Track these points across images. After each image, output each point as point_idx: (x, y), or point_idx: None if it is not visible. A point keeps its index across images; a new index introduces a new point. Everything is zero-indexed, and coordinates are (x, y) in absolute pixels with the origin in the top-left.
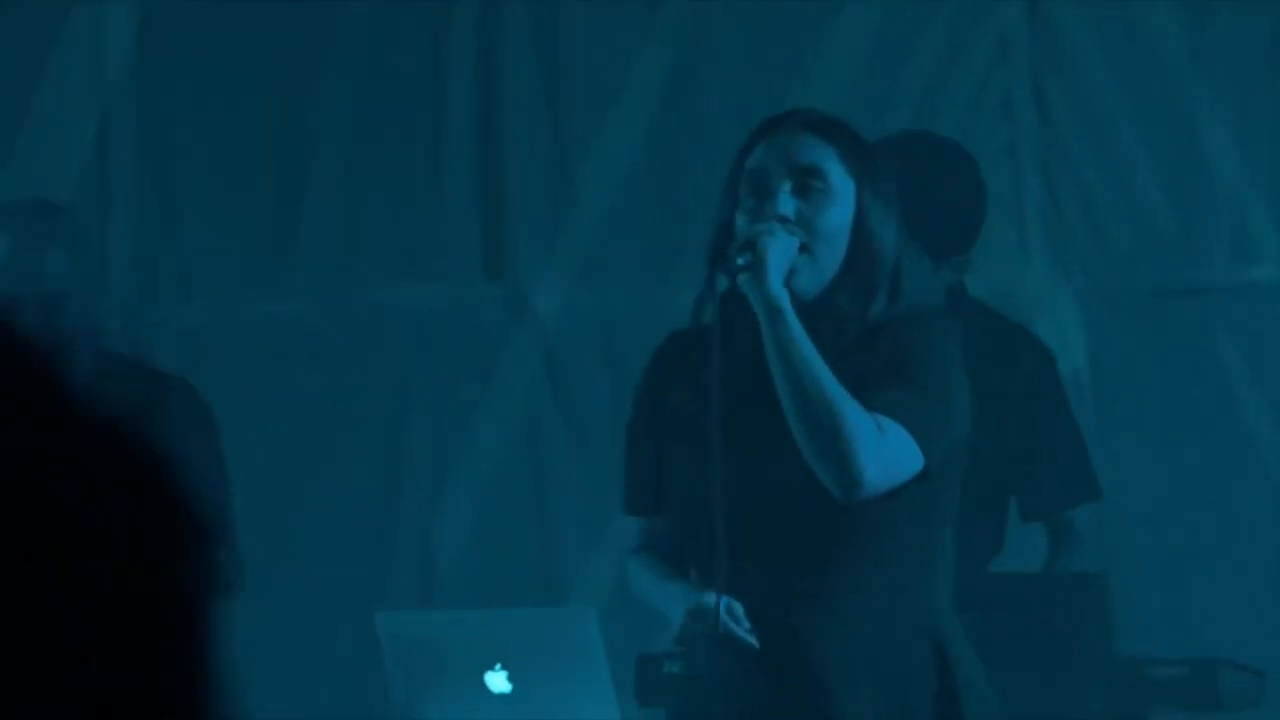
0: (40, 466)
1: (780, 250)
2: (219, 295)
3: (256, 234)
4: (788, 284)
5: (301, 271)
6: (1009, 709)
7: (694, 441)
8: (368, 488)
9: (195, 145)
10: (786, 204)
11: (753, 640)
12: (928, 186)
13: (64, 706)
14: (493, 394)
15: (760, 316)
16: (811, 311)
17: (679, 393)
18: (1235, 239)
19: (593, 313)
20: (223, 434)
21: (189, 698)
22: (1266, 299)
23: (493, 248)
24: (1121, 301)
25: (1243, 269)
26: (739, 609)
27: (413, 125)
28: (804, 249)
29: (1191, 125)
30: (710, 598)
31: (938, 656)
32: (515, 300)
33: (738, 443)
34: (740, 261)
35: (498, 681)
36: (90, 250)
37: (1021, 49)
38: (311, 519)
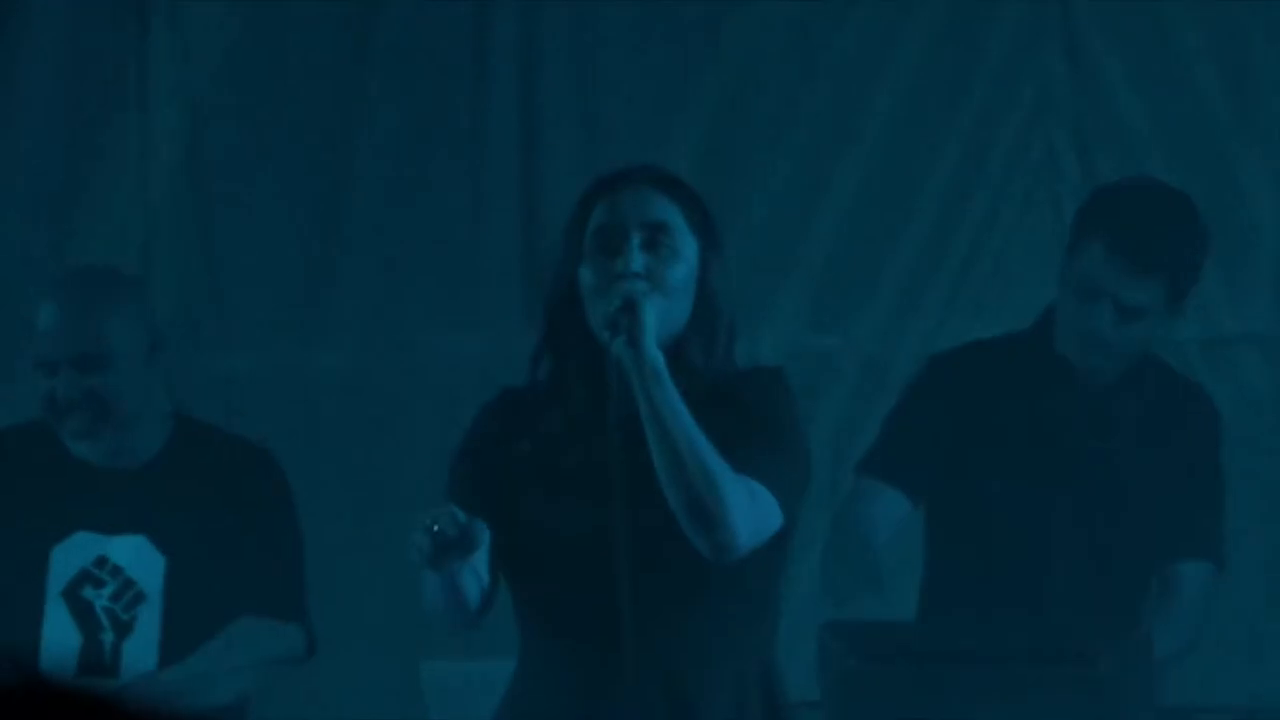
0: None
1: (653, 310)
2: (260, 343)
3: (297, 283)
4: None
5: (342, 320)
6: None
7: (544, 490)
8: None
9: (237, 194)
10: (638, 260)
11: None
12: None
13: None
14: None
15: (635, 380)
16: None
17: (521, 446)
18: (1276, 288)
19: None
20: (297, 505)
21: None
22: None
23: (532, 295)
24: (1166, 352)
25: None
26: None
27: (453, 173)
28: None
29: (1231, 173)
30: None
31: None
32: None
33: (588, 494)
34: (621, 323)
35: None
36: (144, 314)
37: (1064, 100)
38: (354, 567)
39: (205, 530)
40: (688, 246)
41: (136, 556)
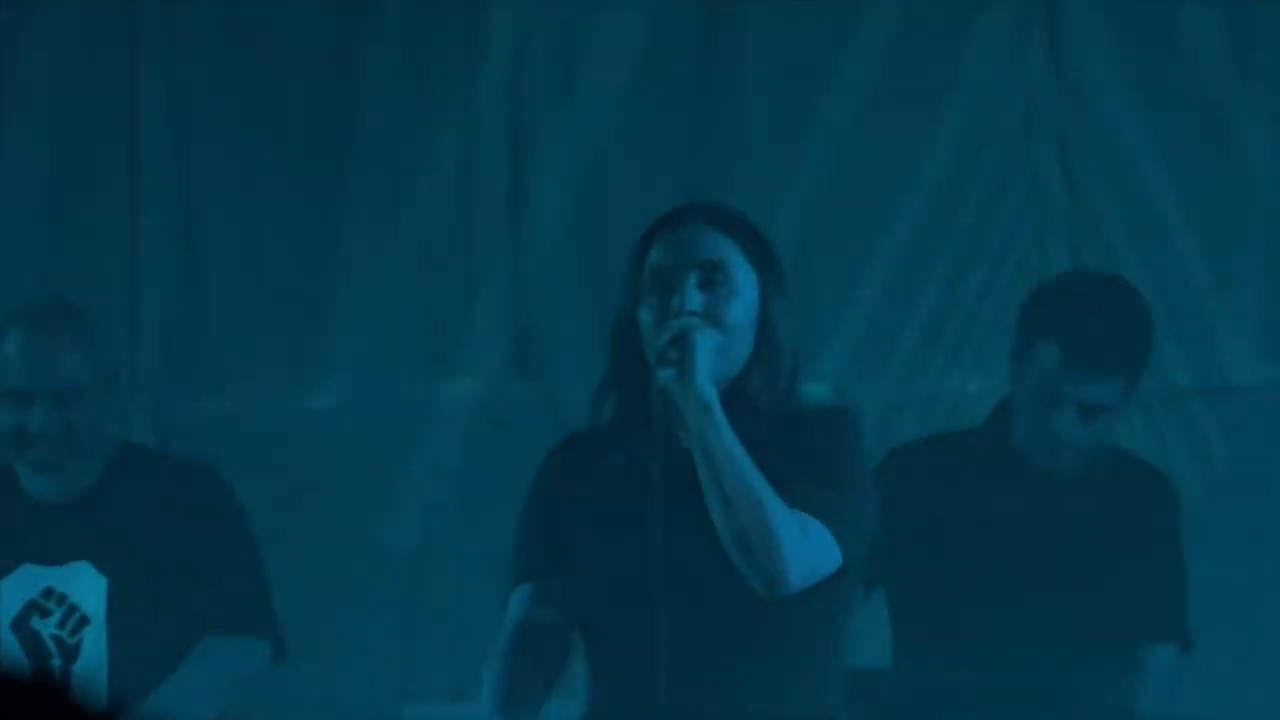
0: None
1: (708, 346)
2: (250, 389)
3: (287, 328)
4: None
5: (330, 364)
6: None
7: (601, 530)
8: (396, 581)
9: (227, 239)
10: (694, 299)
11: None
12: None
13: None
14: (523, 489)
15: (687, 413)
16: (723, 403)
17: (581, 486)
18: (1267, 336)
19: None
20: (249, 516)
21: None
22: None
23: (522, 344)
24: (1149, 399)
25: (1272, 368)
26: None
27: (443, 220)
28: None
29: (1225, 216)
30: None
31: None
32: (545, 396)
33: (641, 533)
34: (670, 355)
35: None
36: (106, 348)
37: (1049, 118)
38: (338, 613)
39: (147, 549)
40: (746, 283)
41: (80, 582)
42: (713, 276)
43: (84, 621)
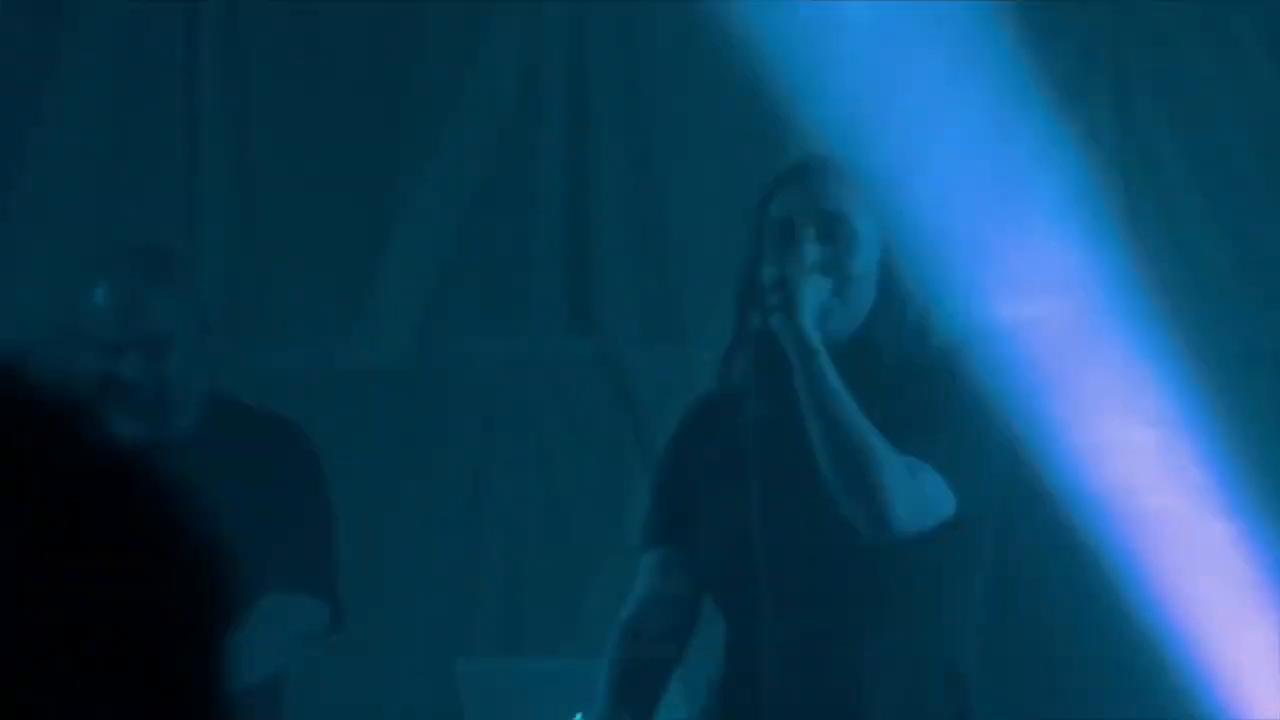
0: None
1: (812, 290)
2: (306, 343)
3: (344, 283)
4: (822, 326)
5: (385, 318)
6: None
7: (729, 492)
8: (450, 535)
9: (285, 195)
10: (812, 251)
11: None
12: None
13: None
14: (576, 444)
15: (792, 355)
16: (846, 353)
17: (711, 449)
18: None
19: (676, 365)
20: (329, 481)
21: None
22: None
23: (576, 300)
24: (1203, 365)
25: None
26: None
27: (500, 177)
28: (835, 293)
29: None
30: None
31: (957, 713)
32: (599, 353)
33: (773, 489)
34: (774, 301)
35: None
36: (196, 295)
37: (1105, 59)
38: (394, 565)
39: (236, 503)
40: (867, 235)
41: None
42: (833, 229)
43: None
